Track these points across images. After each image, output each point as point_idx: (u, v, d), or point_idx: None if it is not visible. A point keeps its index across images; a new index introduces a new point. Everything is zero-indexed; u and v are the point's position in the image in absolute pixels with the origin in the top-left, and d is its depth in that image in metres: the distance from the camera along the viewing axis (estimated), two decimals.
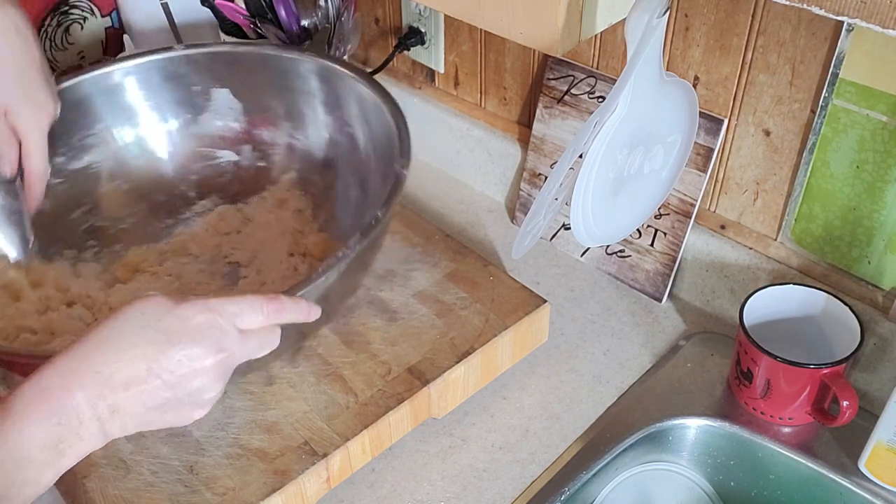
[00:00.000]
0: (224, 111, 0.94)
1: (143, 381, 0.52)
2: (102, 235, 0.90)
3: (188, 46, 0.93)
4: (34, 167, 0.78)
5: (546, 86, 0.96)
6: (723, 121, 0.83)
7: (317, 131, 0.92)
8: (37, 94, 0.76)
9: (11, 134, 0.76)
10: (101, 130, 0.91)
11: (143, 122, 0.93)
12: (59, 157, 0.87)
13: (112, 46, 1.19)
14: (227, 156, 0.95)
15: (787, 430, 0.78)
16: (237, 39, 1.05)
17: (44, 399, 0.50)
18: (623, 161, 0.75)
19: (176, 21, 1.13)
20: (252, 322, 0.57)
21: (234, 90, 0.93)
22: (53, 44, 1.14)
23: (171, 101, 0.93)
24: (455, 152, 1.12)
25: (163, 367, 0.53)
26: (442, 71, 1.10)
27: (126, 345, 0.52)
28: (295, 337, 0.72)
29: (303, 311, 0.61)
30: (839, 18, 0.46)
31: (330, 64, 0.88)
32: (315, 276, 0.65)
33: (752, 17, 0.76)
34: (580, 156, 0.70)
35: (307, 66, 0.89)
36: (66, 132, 0.87)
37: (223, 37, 1.09)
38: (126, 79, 0.91)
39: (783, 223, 0.83)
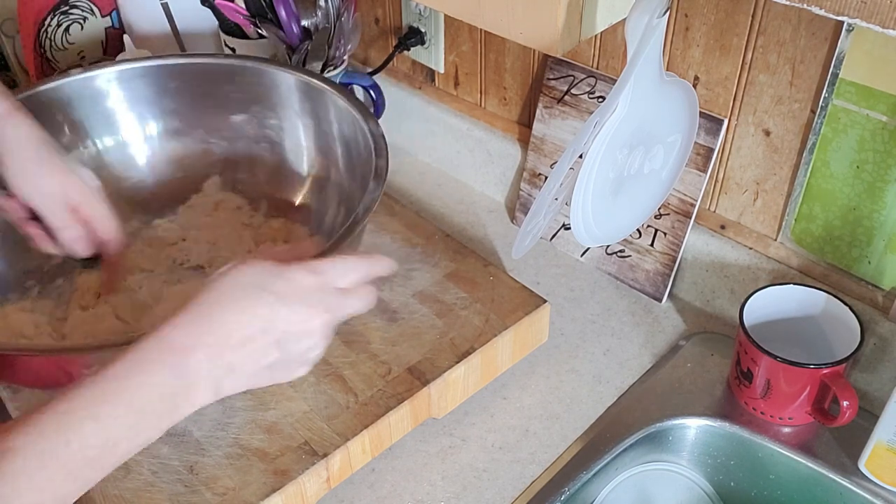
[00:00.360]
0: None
1: (257, 340, 0.55)
2: (39, 272, 0.87)
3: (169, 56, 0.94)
4: (106, 233, 0.81)
5: (546, 86, 0.96)
6: (723, 121, 0.83)
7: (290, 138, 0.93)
8: (69, 167, 0.78)
9: (72, 217, 0.79)
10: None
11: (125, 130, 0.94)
12: None
13: (112, 46, 1.19)
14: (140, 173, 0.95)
15: (787, 430, 0.78)
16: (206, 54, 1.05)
17: (167, 352, 0.53)
18: (623, 161, 0.75)
19: (176, 21, 1.14)
20: (350, 280, 0.60)
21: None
22: (53, 44, 1.14)
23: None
24: (455, 152, 1.12)
25: (277, 327, 0.56)
26: (442, 71, 1.10)
27: (243, 305, 0.55)
28: None
29: (385, 264, 0.64)
30: (839, 18, 0.46)
31: (308, 78, 0.89)
32: (351, 229, 0.68)
33: (752, 17, 0.76)
34: (580, 156, 0.70)
35: (287, 79, 0.90)
36: None
37: (223, 37, 1.09)
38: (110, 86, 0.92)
39: (783, 223, 0.83)
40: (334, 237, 0.70)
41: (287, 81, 0.90)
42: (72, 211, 0.78)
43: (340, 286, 0.60)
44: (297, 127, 0.92)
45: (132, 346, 0.54)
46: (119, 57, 1.07)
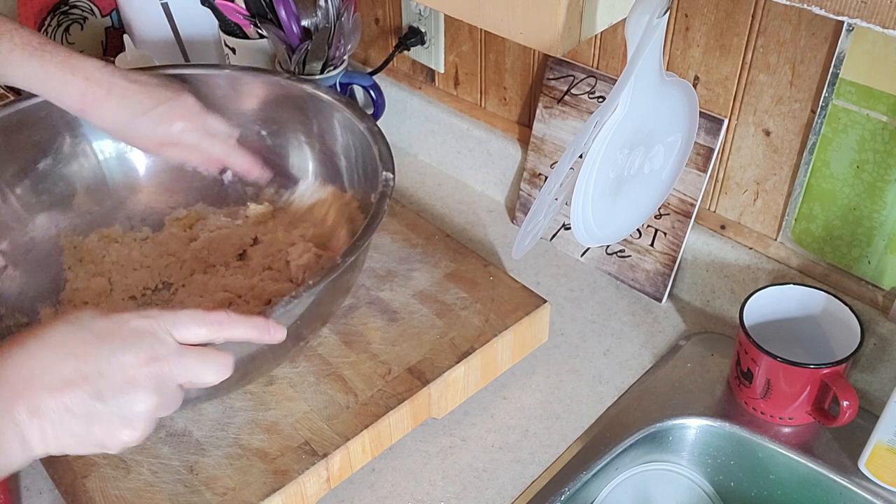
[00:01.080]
0: None
1: (70, 382, 0.49)
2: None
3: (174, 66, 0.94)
4: (217, 155, 0.85)
5: (546, 86, 0.96)
6: (723, 121, 0.83)
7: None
8: (159, 112, 0.81)
9: (188, 149, 0.84)
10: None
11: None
12: None
13: (112, 46, 1.19)
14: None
15: (787, 430, 0.78)
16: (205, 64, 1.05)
17: None
18: (623, 161, 0.75)
19: (176, 21, 1.14)
20: (193, 334, 0.54)
21: None
22: None
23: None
24: (455, 152, 1.12)
25: (91, 366, 0.50)
26: (442, 71, 1.10)
27: (55, 344, 0.50)
28: (269, 357, 0.72)
29: (259, 328, 0.57)
30: (839, 18, 0.46)
31: (312, 90, 0.88)
32: (287, 301, 0.62)
33: (752, 17, 0.76)
34: (580, 156, 0.70)
35: (293, 90, 0.90)
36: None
37: (223, 37, 1.09)
38: None
39: (783, 223, 0.83)
40: (341, 254, 0.69)
41: (292, 92, 0.90)
42: (183, 147, 0.83)
43: (181, 338, 0.53)
44: (301, 138, 0.92)
45: None
46: (119, 57, 1.07)
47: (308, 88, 0.89)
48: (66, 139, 0.89)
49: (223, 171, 0.91)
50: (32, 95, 0.83)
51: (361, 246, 0.69)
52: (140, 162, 0.93)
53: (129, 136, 0.82)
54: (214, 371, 0.54)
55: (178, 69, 0.91)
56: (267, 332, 0.58)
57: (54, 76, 0.77)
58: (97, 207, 0.91)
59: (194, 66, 0.96)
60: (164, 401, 0.53)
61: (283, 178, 0.92)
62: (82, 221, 0.90)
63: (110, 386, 0.50)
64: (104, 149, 0.91)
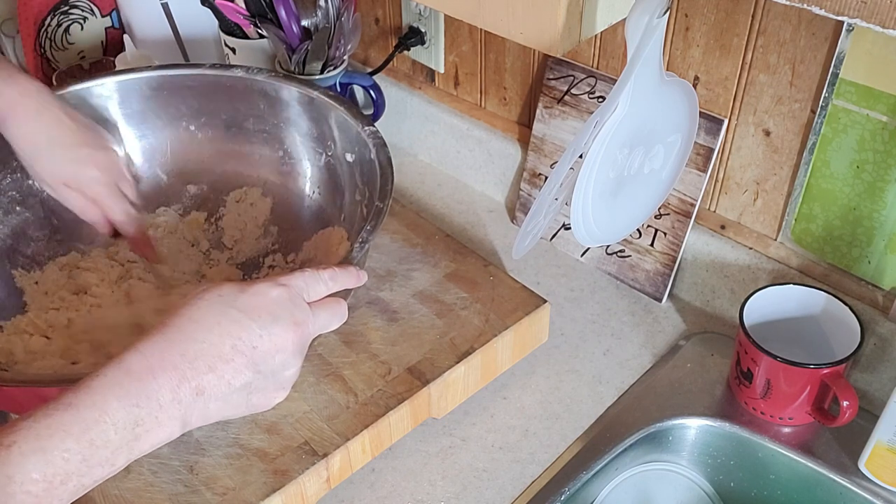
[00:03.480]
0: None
1: (227, 359, 0.53)
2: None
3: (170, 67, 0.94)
4: (114, 219, 0.82)
5: (546, 86, 0.96)
6: (723, 121, 0.83)
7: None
8: (78, 153, 0.79)
9: (85, 198, 0.80)
10: None
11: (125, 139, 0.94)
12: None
13: (112, 46, 1.19)
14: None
15: (787, 430, 0.78)
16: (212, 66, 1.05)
17: (125, 381, 0.50)
18: (623, 161, 0.75)
19: (176, 21, 1.14)
20: (318, 292, 0.58)
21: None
22: (53, 44, 1.14)
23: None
24: (455, 152, 1.12)
25: (246, 343, 0.53)
26: (442, 71, 1.10)
27: (209, 325, 0.53)
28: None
29: (352, 275, 0.62)
30: (839, 18, 0.46)
31: (312, 91, 0.88)
32: (358, 248, 0.68)
33: (752, 17, 0.76)
34: (580, 156, 0.70)
35: (290, 92, 0.90)
36: None
37: (223, 37, 1.09)
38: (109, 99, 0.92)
39: (783, 223, 0.83)
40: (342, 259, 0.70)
41: (291, 96, 0.90)
42: (84, 196, 0.80)
43: (308, 300, 0.58)
44: (300, 144, 0.92)
45: (92, 374, 0.50)
46: (119, 57, 1.07)
47: (307, 90, 0.89)
48: None
49: (114, 235, 0.86)
50: None
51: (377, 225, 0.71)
52: None
53: (37, 164, 0.79)
54: (339, 319, 0.60)
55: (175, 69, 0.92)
56: (358, 277, 0.63)
57: None
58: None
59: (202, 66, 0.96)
60: (304, 352, 0.57)
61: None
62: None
63: (264, 357, 0.54)
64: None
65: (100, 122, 0.88)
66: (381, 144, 0.81)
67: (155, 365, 0.51)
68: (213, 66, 0.93)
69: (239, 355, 0.53)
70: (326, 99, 0.87)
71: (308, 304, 0.57)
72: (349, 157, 0.85)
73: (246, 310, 0.54)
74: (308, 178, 0.92)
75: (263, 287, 0.55)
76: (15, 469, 0.46)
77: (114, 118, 0.92)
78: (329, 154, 0.89)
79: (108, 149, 0.82)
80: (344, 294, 0.63)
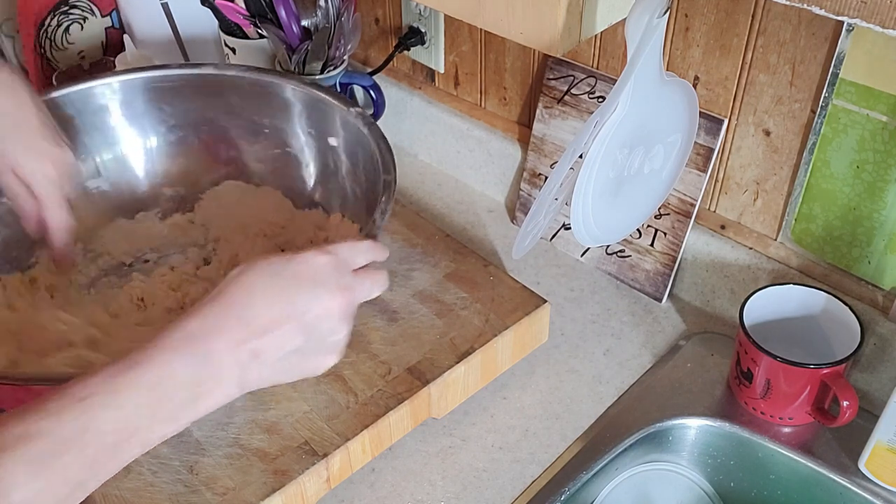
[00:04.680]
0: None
1: (279, 324, 0.55)
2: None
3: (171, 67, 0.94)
4: (50, 218, 0.79)
5: (546, 86, 0.96)
6: (723, 121, 0.83)
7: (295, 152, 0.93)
8: (39, 145, 0.77)
9: (27, 191, 0.78)
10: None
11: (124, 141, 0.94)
12: None
13: (112, 46, 1.19)
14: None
15: (787, 430, 0.78)
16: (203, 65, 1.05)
17: (189, 342, 0.53)
18: (623, 161, 0.75)
19: (176, 21, 1.14)
20: (360, 261, 0.61)
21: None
22: (53, 44, 1.14)
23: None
24: (455, 152, 1.12)
25: (297, 309, 0.56)
26: (442, 71, 1.10)
27: (262, 292, 0.55)
28: None
29: (382, 249, 0.64)
30: (839, 18, 0.46)
31: (314, 91, 0.89)
32: (377, 222, 0.70)
33: (752, 17, 0.76)
34: (580, 156, 0.70)
35: (291, 91, 0.90)
36: None
37: (223, 37, 1.09)
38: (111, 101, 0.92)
39: (783, 223, 0.83)
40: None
41: (292, 93, 0.90)
42: (25, 186, 0.78)
43: (353, 267, 0.60)
44: (302, 141, 0.92)
45: (152, 337, 0.53)
46: (119, 57, 1.07)
47: (312, 91, 0.89)
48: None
49: (39, 236, 0.82)
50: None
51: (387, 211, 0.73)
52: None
53: None
54: (381, 286, 0.62)
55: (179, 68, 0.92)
56: (384, 251, 0.65)
57: None
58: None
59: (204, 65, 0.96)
60: (351, 317, 0.60)
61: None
62: None
63: (315, 321, 0.57)
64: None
65: (99, 123, 0.89)
66: (370, 123, 0.82)
67: (213, 328, 0.54)
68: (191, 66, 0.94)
69: (290, 320, 0.55)
70: (314, 90, 0.88)
71: (353, 271, 0.60)
72: (332, 142, 0.87)
73: (295, 277, 0.57)
74: (307, 169, 0.92)
75: (310, 256, 0.58)
76: (90, 420, 0.49)
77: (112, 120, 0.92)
78: (319, 141, 0.90)
79: (66, 149, 0.80)
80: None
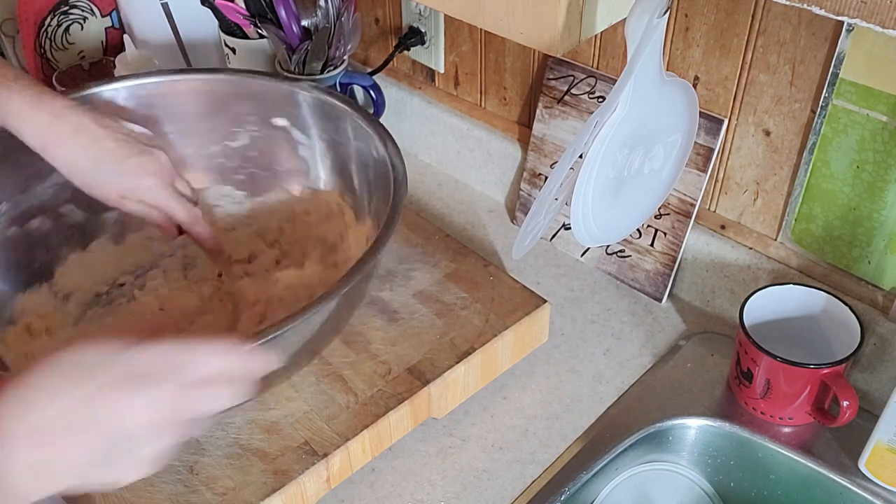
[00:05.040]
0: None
1: (79, 431, 0.49)
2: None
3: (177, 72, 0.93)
4: (180, 220, 0.83)
5: (546, 86, 0.96)
6: (723, 121, 0.83)
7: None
8: (126, 165, 0.78)
9: (146, 205, 0.81)
10: None
11: None
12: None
13: (112, 46, 1.19)
14: None
15: (787, 430, 0.78)
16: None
17: None
18: (623, 161, 0.75)
19: (176, 21, 1.14)
20: (203, 372, 0.52)
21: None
22: (53, 44, 1.14)
23: None
24: (455, 152, 1.12)
25: (100, 416, 0.49)
26: (442, 71, 1.10)
27: (62, 394, 0.49)
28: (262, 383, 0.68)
29: (260, 361, 0.55)
30: (839, 18, 0.46)
31: (323, 96, 0.88)
32: (275, 329, 0.62)
33: (752, 17, 0.76)
34: (580, 156, 0.70)
35: (300, 95, 0.90)
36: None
37: (223, 37, 1.09)
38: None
39: (783, 223, 0.83)
40: (350, 267, 0.68)
41: (304, 99, 0.90)
42: (145, 203, 0.81)
43: (190, 379, 0.51)
44: (314, 146, 0.92)
45: None
46: (119, 57, 1.07)
47: (321, 94, 0.89)
48: None
49: (180, 233, 0.85)
50: None
51: (349, 282, 0.66)
52: None
53: (90, 184, 0.78)
54: (225, 400, 0.53)
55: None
56: (268, 362, 0.56)
57: (20, 110, 0.74)
58: None
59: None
60: (176, 437, 0.52)
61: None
62: None
63: (116, 433, 0.50)
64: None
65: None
66: (367, 115, 0.82)
67: (1, 436, 0.47)
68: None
69: (92, 427, 0.49)
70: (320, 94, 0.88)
71: (189, 382, 0.51)
72: (279, 122, 0.89)
73: (101, 383, 0.49)
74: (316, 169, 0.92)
75: (134, 358, 0.50)
76: None
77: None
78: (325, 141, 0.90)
79: (153, 152, 0.80)
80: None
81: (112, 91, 0.89)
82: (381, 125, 0.83)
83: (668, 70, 0.80)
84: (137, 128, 0.83)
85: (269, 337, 0.61)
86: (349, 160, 0.88)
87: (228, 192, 0.94)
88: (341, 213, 0.88)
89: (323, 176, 0.91)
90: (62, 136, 0.75)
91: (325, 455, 0.72)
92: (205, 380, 0.52)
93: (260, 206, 0.94)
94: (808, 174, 0.79)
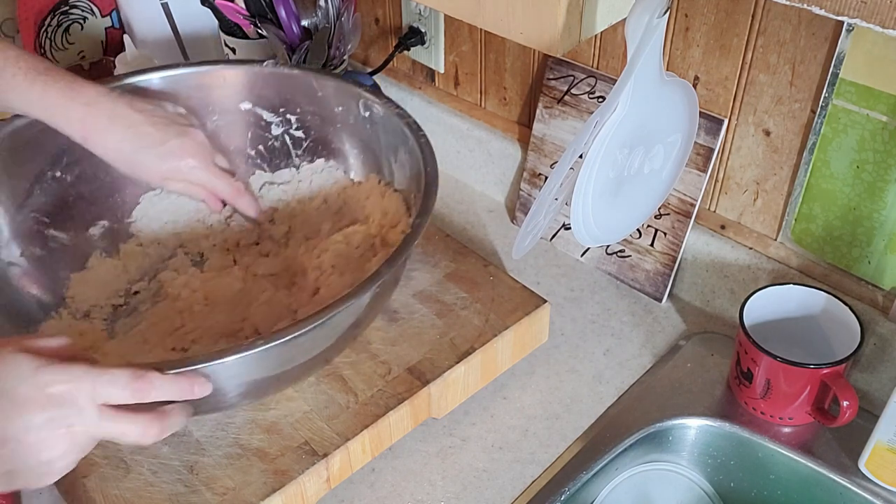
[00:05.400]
0: None
1: None
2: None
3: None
4: (224, 196, 0.86)
5: (546, 86, 0.96)
6: (723, 121, 0.83)
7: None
8: (164, 148, 0.80)
9: (191, 184, 0.84)
10: None
11: None
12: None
13: (112, 46, 1.19)
14: None
15: (787, 430, 0.78)
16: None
17: None
18: (623, 161, 0.75)
19: (176, 21, 1.14)
20: (116, 397, 0.54)
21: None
22: (53, 44, 1.14)
23: None
24: (455, 152, 1.12)
25: (9, 435, 0.51)
26: (442, 71, 1.10)
27: None
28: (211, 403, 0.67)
29: (183, 388, 0.57)
30: (839, 18, 0.46)
31: (400, 122, 0.87)
32: (205, 358, 0.60)
33: (752, 17, 0.76)
34: (580, 156, 0.70)
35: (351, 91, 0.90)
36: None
37: (223, 37, 1.09)
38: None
39: (783, 223, 0.83)
40: (375, 268, 0.68)
41: (351, 93, 0.90)
42: (189, 182, 0.83)
43: (102, 401, 0.53)
44: (343, 140, 0.92)
45: None
46: (119, 57, 1.07)
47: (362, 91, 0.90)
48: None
49: (224, 207, 0.90)
50: None
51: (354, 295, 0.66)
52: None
53: (133, 168, 0.81)
54: (138, 433, 0.55)
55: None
56: (191, 390, 0.58)
57: (55, 102, 0.76)
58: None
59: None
60: (85, 450, 0.54)
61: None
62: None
63: (27, 450, 0.51)
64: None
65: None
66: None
67: None
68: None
69: (1, 446, 0.51)
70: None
71: (97, 405, 0.53)
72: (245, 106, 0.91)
73: (17, 401, 0.51)
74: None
75: (47, 378, 0.52)
76: None
77: None
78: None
79: (190, 132, 0.82)
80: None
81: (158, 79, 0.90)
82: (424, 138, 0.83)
83: (668, 70, 0.80)
84: (171, 106, 0.84)
85: (190, 367, 0.60)
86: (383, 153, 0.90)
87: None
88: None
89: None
90: (99, 126, 0.77)
91: (325, 455, 0.72)
92: (131, 409, 0.54)
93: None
94: (808, 174, 0.79)
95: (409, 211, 0.82)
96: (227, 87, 0.93)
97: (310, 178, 0.94)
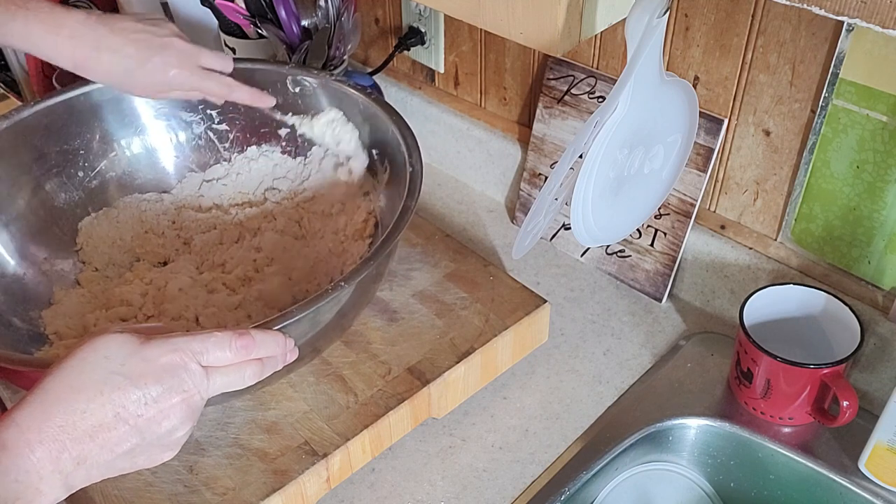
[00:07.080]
0: None
1: (110, 428, 0.51)
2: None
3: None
4: (217, 94, 0.86)
5: (546, 86, 0.96)
6: (723, 121, 0.83)
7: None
8: (152, 63, 0.81)
9: (187, 91, 0.85)
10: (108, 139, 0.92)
11: (152, 133, 0.94)
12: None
13: None
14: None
15: (787, 430, 0.78)
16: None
17: (2, 456, 0.48)
18: (623, 161, 0.75)
19: (176, 21, 1.13)
20: (219, 359, 0.55)
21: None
22: None
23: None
24: (455, 152, 1.12)
25: (129, 412, 0.51)
26: (442, 71, 1.10)
27: (90, 392, 0.50)
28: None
29: (279, 345, 0.58)
30: (839, 18, 0.46)
31: (341, 86, 0.88)
32: (297, 311, 0.64)
33: (752, 17, 0.76)
34: (580, 156, 0.70)
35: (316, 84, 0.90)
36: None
37: (223, 37, 1.09)
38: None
39: (783, 223, 0.83)
40: (366, 256, 0.70)
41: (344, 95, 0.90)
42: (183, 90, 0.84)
43: (206, 363, 0.54)
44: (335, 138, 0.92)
45: None
46: None
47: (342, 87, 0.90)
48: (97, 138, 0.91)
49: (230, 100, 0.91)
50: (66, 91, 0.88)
51: (360, 273, 0.68)
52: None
53: (128, 88, 0.84)
54: (245, 380, 0.56)
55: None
56: (285, 344, 0.59)
57: (41, 37, 0.78)
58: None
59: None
60: (196, 414, 0.55)
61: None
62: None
63: (149, 423, 0.52)
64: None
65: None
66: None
67: (33, 439, 0.49)
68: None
69: (122, 423, 0.51)
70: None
71: (204, 367, 0.54)
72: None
73: (132, 376, 0.51)
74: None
75: (154, 351, 0.53)
76: None
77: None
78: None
79: (170, 43, 0.82)
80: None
81: None
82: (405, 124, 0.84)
83: (668, 70, 0.80)
84: (148, 17, 0.85)
85: (284, 324, 0.63)
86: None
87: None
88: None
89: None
90: (88, 56, 0.79)
91: (325, 455, 0.72)
92: (223, 365, 0.55)
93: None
94: (808, 174, 0.79)
95: (375, 171, 0.85)
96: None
97: (247, 166, 0.94)
